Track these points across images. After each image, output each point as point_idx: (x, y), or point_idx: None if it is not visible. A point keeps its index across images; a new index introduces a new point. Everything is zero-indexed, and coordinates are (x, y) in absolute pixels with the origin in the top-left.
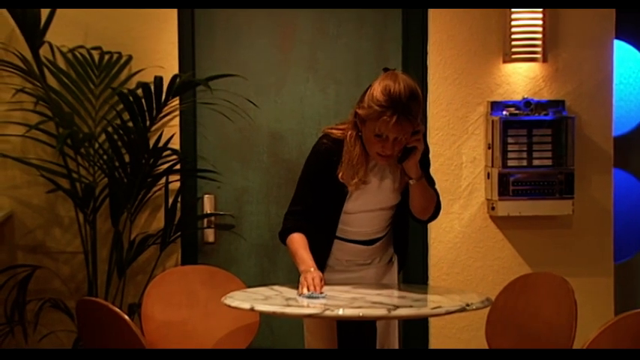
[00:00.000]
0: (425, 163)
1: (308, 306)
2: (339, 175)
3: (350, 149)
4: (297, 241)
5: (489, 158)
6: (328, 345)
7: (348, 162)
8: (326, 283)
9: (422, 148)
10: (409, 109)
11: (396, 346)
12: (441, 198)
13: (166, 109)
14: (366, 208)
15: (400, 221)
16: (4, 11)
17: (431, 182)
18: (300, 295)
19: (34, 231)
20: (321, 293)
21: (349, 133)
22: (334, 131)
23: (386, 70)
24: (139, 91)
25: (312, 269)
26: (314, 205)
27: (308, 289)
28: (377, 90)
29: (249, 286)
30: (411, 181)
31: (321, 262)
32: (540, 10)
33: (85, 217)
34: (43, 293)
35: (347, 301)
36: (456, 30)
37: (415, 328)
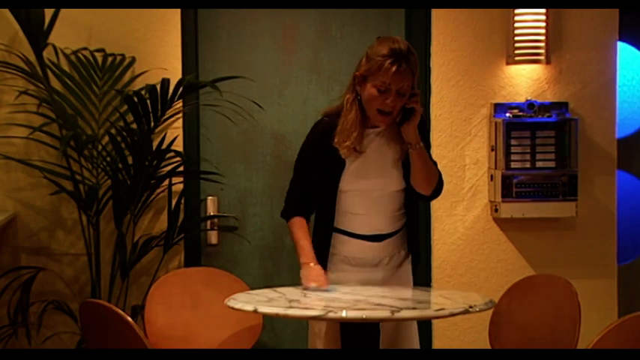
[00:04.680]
0: (426, 143)
1: (312, 308)
2: (334, 141)
3: (346, 113)
4: (298, 227)
5: (493, 160)
6: (334, 347)
7: (342, 125)
8: (331, 284)
9: (420, 111)
10: (409, 59)
11: (417, 346)
12: (443, 203)
13: (170, 111)
14: (365, 186)
15: (411, 219)
16: (8, 14)
17: (433, 162)
18: (305, 289)
19: (38, 233)
20: (327, 287)
21: (346, 97)
22: (332, 108)
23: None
24: (145, 94)
25: (312, 264)
26: (311, 181)
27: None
28: (377, 46)
29: (253, 288)
30: (410, 149)
31: (324, 252)
32: (543, 11)
33: (89, 219)
34: (47, 295)
35: (350, 302)
36: (460, 32)
37: (418, 329)
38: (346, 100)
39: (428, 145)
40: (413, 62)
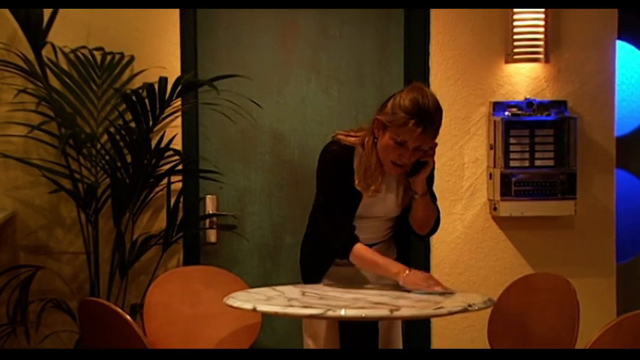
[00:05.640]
0: (430, 178)
1: (310, 306)
2: (356, 183)
3: (368, 157)
4: (366, 252)
5: (491, 159)
6: (331, 346)
7: (366, 170)
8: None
9: (432, 165)
10: (434, 119)
11: (400, 347)
12: (442, 202)
13: (169, 110)
14: (366, 215)
15: (402, 228)
16: (7, 12)
17: (433, 198)
18: (429, 293)
19: (37, 231)
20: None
21: (366, 139)
22: (346, 137)
23: (410, 82)
24: (143, 92)
25: (407, 272)
26: (343, 207)
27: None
28: (405, 98)
29: (252, 287)
30: (415, 196)
31: (326, 267)
32: (542, 10)
33: (87, 218)
34: (46, 294)
35: (349, 301)
36: (458, 30)
37: (417, 328)
38: (367, 142)
39: (432, 180)
40: (437, 121)
